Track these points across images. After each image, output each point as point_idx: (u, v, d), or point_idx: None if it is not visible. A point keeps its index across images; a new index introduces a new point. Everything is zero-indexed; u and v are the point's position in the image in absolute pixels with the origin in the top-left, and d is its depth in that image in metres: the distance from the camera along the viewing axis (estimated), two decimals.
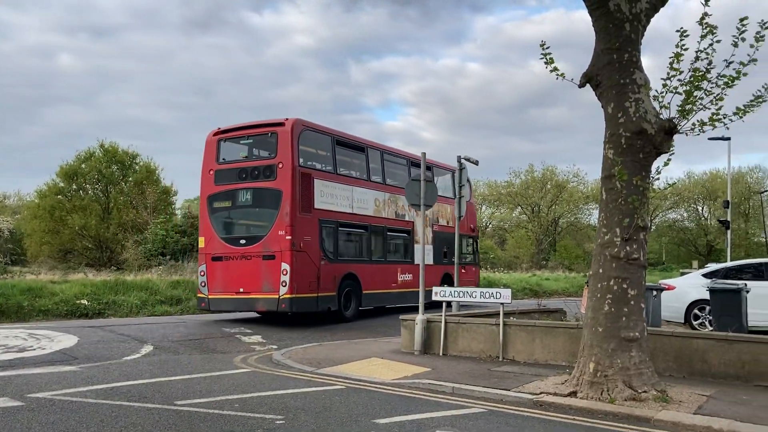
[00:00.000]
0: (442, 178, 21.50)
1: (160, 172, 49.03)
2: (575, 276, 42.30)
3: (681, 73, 7.66)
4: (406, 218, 19.69)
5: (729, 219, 32.95)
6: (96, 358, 10.74)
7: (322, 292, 15.99)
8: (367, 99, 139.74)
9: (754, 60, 7.41)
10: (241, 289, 15.64)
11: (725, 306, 11.95)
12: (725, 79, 7.52)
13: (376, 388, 8.63)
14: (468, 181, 24.79)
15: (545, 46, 8.24)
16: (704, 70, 7.56)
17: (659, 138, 7.78)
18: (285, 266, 15.08)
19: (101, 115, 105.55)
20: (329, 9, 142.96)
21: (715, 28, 7.47)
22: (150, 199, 41.50)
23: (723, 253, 38.14)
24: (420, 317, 11.40)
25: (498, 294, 10.88)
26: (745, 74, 7.47)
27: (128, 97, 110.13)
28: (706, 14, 7.46)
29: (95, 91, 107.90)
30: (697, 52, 7.56)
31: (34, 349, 11.28)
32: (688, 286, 15.12)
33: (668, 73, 7.70)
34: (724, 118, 7.61)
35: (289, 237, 15.15)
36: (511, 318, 11.37)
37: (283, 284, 15.05)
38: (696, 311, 14.77)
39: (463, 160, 15.99)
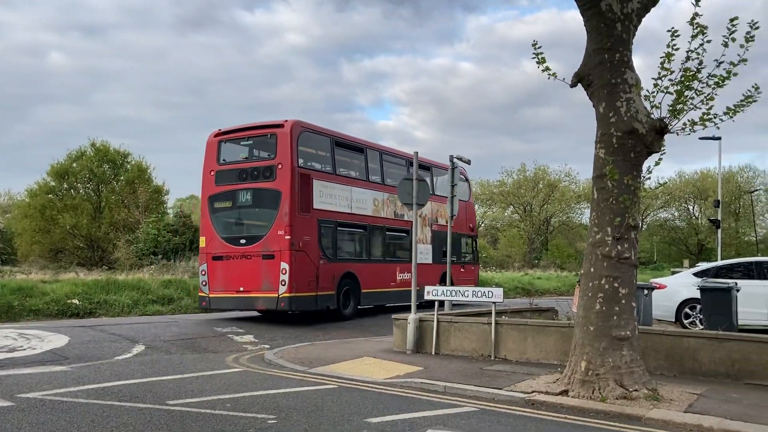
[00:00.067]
0: (441, 178, 21.55)
1: (152, 171, 48.87)
2: (567, 275, 42.41)
3: (672, 72, 7.71)
4: (405, 218, 19.75)
5: (719, 218, 33.14)
6: (87, 357, 10.69)
7: (321, 291, 16.17)
8: (359, 98, 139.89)
9: (744, 60, 7.45)
10: (242, 288, 15.85)
11: (716, 305, 12.02)
12: (716, 79, 7.56)
13: (369, 387, 8.63)
14: (467, 180, 25.01)
15: (537, 46, 8.28)
16: (695, 69, 7.60)
17: (650, 137, 7.82)
18: (284, 265, 15.26)
19: (93, 114, 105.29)
20: (321, 8, 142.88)
21: (706, 28, 7.52)
22: (142, 198, 41.35)
23: (714, 252, 38.34)
24: (412, 316, 11.41)
25: (490, 293, 10.91)
26: (735, 74, 7.51)
27: (120, 96, 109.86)
28: (696, 14, 7.50)
29: (87, 90, 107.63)
30: (687, 52, 7.61)
31: (25, 349, 11.21)
32: (679, 285, 15.19)
33: (659, 73, 7.74)
34: (715, 117, 7.66)
35: (288, 237, 15.34)
36: (503, 317, 11.40)
37: (283, 283, 15.24)
38: (687, 310, 14.84)
39: (455, 160, 16.01)
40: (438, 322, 11.29)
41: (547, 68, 8.29)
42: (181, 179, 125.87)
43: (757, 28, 7.41)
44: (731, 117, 7.66)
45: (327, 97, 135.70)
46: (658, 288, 14.46)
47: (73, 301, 17.68)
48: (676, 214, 72.87)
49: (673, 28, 7.67)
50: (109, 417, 6.65)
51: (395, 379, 9.04)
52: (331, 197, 16.97)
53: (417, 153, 12.62)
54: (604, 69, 7.85)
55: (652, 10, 8.18)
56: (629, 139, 7.77)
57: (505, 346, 10.64)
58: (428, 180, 20.94)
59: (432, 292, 11.56)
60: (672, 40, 7.66)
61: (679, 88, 7.67)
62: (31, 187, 47.66)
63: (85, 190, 47.41)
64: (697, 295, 13.02)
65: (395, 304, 19.46)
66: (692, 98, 7.68)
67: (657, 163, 8.07)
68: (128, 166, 48.11)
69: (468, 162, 17.16)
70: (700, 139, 28.83)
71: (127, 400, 7.49)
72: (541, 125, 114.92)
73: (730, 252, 55.31)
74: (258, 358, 11.05)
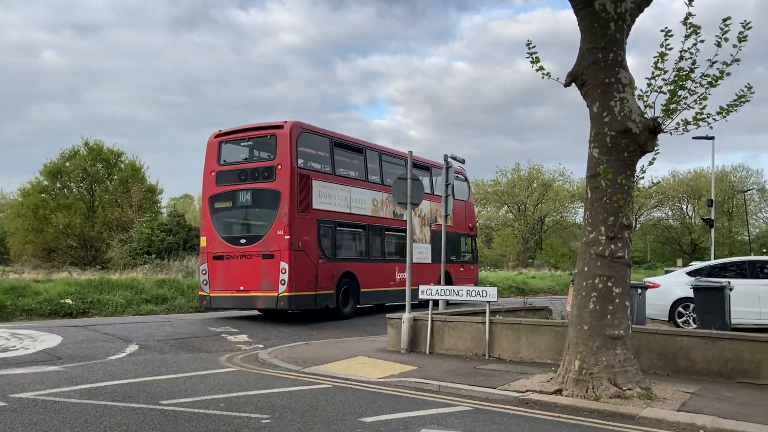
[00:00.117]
0: (440, 178, 21.57)
1: (146, 170, 48.82)
2: (561, 274, 42.54)
3: (665, 72, 7.71)
4: (404, 217, 19.77)
5: (713, 217, 33.30)
6: (80, 357, 10.65)
7: (320, 290, 16.33)
8: (354, 97, 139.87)
9: (737, 60, 7.47)
10: (242, 287, 16.02)
11: (709, 304, 12.06)
12: (709, 79, 7.58)
13: (363, 386, 8.62)
14: (467, 180, 25.07)
15: (531, 46, 8.28)
16: (688, 69, 7.62)
17: (644, 137, 7.84)
18: (284, 265, 15.42)
19: (86, 113, 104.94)
20: (316, 7, 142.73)
21: (699, 28, 7.53)
22: (135, 197, 41.26)
23: (707, 252, 38.52)
24: (406, 316, 11.40)
25: (484, 292, 10.92)
26: (728, 74, 7.53)
27: (114, 95, 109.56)
28: (690, 14, 7.52)
29: (80, 89, 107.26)
30: (681, 51, 7.62)
31: (17, 349, 11.17)
32: (673, 284, 15.23)
33: (653, 73, 7.75)
34: (708, 117, 7.68)
35: (287, 237, 15.50)
36: (498, 316, 11.41)
37: (282, 282, 15.39)
38: (680, 309, 14.88)
39: (450, 159, 16.08)
40: (432, 321, 11.29)
41: (541, 68, 8.30)
42: (175, 178, 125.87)
43: (750, 28, 7.43)
44: (724, 117, 7.68)
45: (321, 96, 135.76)
46: (652, 287, 14.51)
47: (66, 300, 17.61)
48: (669, 213, 73.18)
49: (666, 27, 7.69)
50: (102, 417, 6.63)
51: (389, 378, 9.04)
52: (330, 197, 17.11)
53: (411, 152, 12.70)
54: (598, 68, 7.87)
55: (646, 10, 8.20)
56: (623, 139, 7.79)
57: (500, 345, 10.65)
58: (427, 180, 21.04)
59: (426, 292, 11.56)
60: (665, 39, 7.68)
61: (672, 87, 7.68)
62: (23, 187, 47.57)
63: (78, 190, 47.28)
64: (691, 294, 13.06)
65: (395, 303, 19.54)
66: (685, 98, 7.69)
67: (651, 163, 8.10)
68: (122, 166, 48.02)
69: (462, 161, 17.25)
70: (694, 138, 29.02)
71: (120, 400, 7.47)
72: (535, 125, 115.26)
73: (723, 251, 55.59)
74: (252, 358, 11.03)
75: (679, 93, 7.66)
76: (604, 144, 7.85)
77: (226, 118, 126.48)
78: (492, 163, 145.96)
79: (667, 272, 22.58)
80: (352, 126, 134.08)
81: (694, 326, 13.30)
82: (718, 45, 7.43)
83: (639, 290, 12.59)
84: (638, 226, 67.66)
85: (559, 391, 7.84)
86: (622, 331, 7.76)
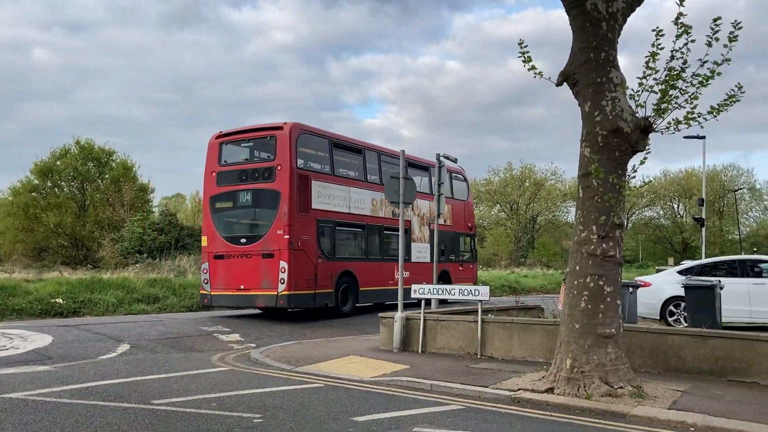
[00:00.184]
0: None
1: (137, 169, 48.69)
2: (553, 273, 42.64)
3: (657, 72, 7.73)
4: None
5: (704, 216, 33.47)
6: (71, 357, 10.60)
7: (319, 289, 16.57)
8: (346, 96, 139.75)
9: (728, 60, 7.50)
10: (242, 286, 16.31)
11: (699, 302, 12.11)
12: (700, 78, 7.61)
13: (355, 385, 8.62)
14: (465, 180, 25.16)
15: (523, 45, 8.29)
16: (679, 69, 7.64)
17: (635, 136, 7.86)
18: (283, 264, 15.66)
19: (77, 112, 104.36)
20: (308, 5, 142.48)
21: (690, 28, 7.56)
22: (127, 196, 41.11)
23: (698, 251, 38.71)
24: (399, 315, 11.41)
25: (476, 291, 10.94)
26: (719, 74, 7.56)
27: (105, 94, 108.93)
28: (681, 14, 7.54)
29: (71, 87, 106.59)
30: (672, 51, 7.64)
31: (7, 349, 11.10)
32: (664, 283, 15.29)
33: (644, 72, 7.78)
34: (699, 116, 7.71)
35: (287, 236, 15.75)
36: (490, 315, 11.43)
37: (282, 281, 15.64)
38: (671, 308, 14.95)
39: (442, 158, 16.11)
40: (425, 320, 11.30)
41: (533, 67, 8.31)
42: (167, 177, 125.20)
43: (740, 28, 7.46)
44: (715, 116, 7.71)
45: (314, 95, 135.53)
46: (643, 286, 14.56)
47: (57, 300, 17.51)
48: (661, 212, 73.58)
49: (658, 27, 7.71)
50: (93, 417, 6.60)
51: (381, 377, 9.04)
52: (329, 197, 17.34)
53: (403, 151, 12.76)
54: (590, 68, 7.89)
55: (638, 9, 8.23)
56: (614, 138, 7.81)
57: (492, 344, 10.67)
58: (426, 179, 21.14)
59: (419, 291, 11.57)
60: (657, 39, 7.70)
61: (663, 87, 7.70)
62: (14, 186, 47.31)
63: (69, 189, 47.09)
64: (682, 292, 13.11)
65: (394, 302, 19.49)
66: (677, 97, 7.72)
67: (642, 162, 8.12)
68: (113, 164, 47.85)
69: (455, 160, 17.36)
70: (685, 138, 29.17)
71: (111, 399, 7.44)
72: (527, 124, 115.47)
73: (714, 250, 55.88)
74: (244, 357, 11.01)
75: (671, 92, 7.69)
76: (596, 143, 7.87)
77: (218, 117, 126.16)
78: (484, 163, 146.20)
79: (658, 271, 22.71)
80: (344, 125, 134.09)
81: (685, 325, 13.35)
82: (709, 45, 7.46)
83: (630, 289, 12.64)
84: (630, 225, 67.93)
85: (550, 390, 7.86)
86: (613, 330, 7.79)
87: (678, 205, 71.99)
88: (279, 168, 16.10)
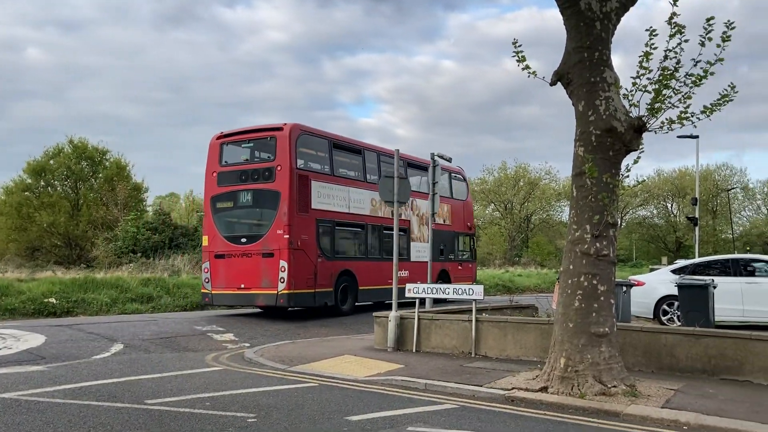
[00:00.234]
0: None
1: (131, 168, 48.54)
2: (547, 272, 42.71)
3: (650, 71, 7.76)
4: (403, 217, 19.96)
5: (697, 216, 33.59)
6: (64, 357, 10.56)
7: (319, 288, 16.72)
8: (341, 96, 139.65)
9: (721, 59, 7.52)
10: (242, 285, 16.46)
11: (693, 301, 12.15)
12: (693, 78, 7.63)
13: (349, 385, 8.62)
14: (465, 180, 25.22)
15: (517, 44, 8.30)
16: (673, 68, 7.66)
17: (629, 136, 7.89)
18: (283, 263, 15.81)
19: (71, 111, 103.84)
20: (303, 4, 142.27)
21: (684, 27, 7.58)
22: (120, 195, 41.02)
23: (691, 250, 38.85)
24: (393, 314, 11.41)
25: (471, 291, 10.95)
26: (712, 73, 7.58)
27: (98, 93, 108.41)
28: (674, 14, 7.56)
29: (64, 86, 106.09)
30: (665, 51, 7.67)
31: (0, 349, 11.05)
32: (657, 282, 15.33)
33: (638, 72, 7.79)
34: (692, 116, 7.73)
35: (287, 236, 15.89)
36: (484, 314, 11.44)
37: (281, 280, 15.79)
38: (665, 307, 15.00)
39: (436, 158, 16.19)
40: (419, 319, 11.30)
41: (528, 66, 8.32)
42: (161, 177, 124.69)
43: (733, 28, 7.48)
44: (708, 116, 7.74)
45: (309, 94, 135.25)
46: (637, 285, 14.59)
47: (50, 299, 17.45)
48: (654, 211, 73.81)
49: (651, 27, 7.74)
50: (86, 417, 6.57)
51: (376, 376, 9.04)
52: (329, 197, 17.48)
53: (398, 150, 12.81)
54: (584, 67, 7.90)
55: (631, 9, 8.25)
56: (608, 137, 7.83)
57: (486, 343, 10.68)
58: (426, 179, 21.12)
59: (413, 290, 11.58)
60: (650, 39, 7.72)
61: (657, 86, 7.73)
62: (7, 185, 47.14)
63: (62, 188, 46.93)
64: (675, 292, 13.15)
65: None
66: (670, 97, 7.74)
67: (635, 161, 8.16)
68: (107, 164, 47.72)
69: (449, 160, 17.45)
70: (678, 137, 29.32)
71: (104, 399, 7.41)
72: (521, 123, 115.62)
73: (707, 249, 56.11)
74: (238, 357, 10.99)
75: (664, 92, 7.71)
76: (590, 142, 7.89)
77: (212, 117, 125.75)
78: (479, 162, 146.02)
79: (651, 270, 22.76)
80: (339, 124, 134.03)
81: (679, 324, 13.40)
82: (702, 44, 7.48)
83: (624, 288, 12.67)
84: (623, 224, 68.12)
85: (544, 389, 7.87)
86: (607, 329, 7.81)
87: (671, 205, 72.25)
88: (279, 168, 16.23)
